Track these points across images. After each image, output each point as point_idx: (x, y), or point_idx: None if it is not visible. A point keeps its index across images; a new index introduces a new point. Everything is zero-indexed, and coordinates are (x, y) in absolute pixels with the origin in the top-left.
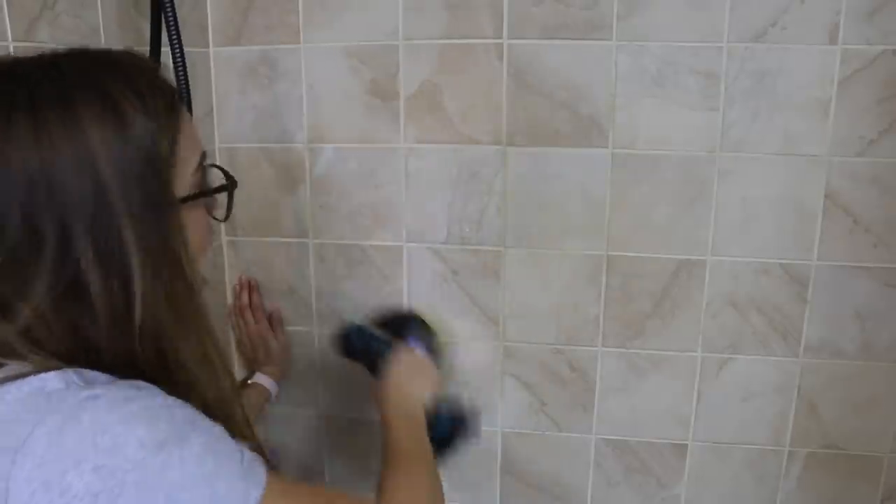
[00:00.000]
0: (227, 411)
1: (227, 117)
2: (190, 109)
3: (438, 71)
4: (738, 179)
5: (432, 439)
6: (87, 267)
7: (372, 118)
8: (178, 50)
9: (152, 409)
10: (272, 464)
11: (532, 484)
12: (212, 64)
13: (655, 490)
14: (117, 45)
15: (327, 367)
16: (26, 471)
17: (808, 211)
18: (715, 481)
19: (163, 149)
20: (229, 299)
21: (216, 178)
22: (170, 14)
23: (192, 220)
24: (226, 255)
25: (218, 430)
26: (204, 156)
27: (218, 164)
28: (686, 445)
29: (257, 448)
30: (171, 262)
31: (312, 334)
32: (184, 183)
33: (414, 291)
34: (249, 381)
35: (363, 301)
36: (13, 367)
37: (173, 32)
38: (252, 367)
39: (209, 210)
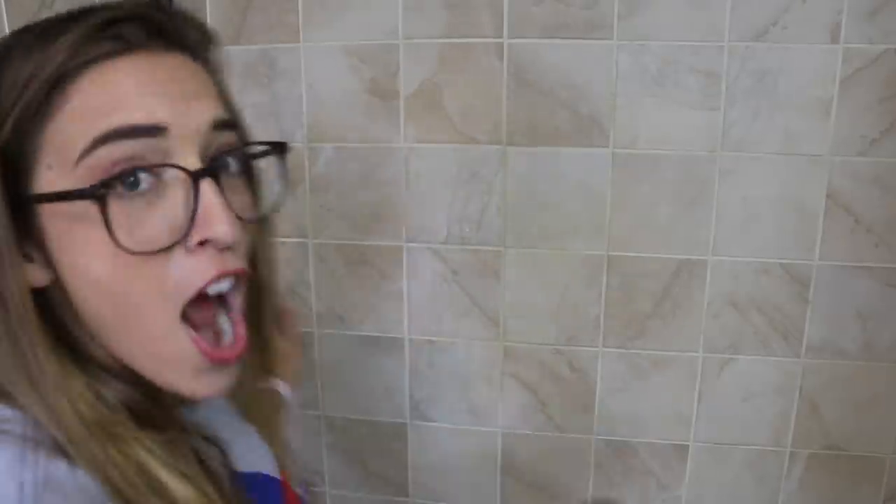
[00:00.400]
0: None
1: None
2: None
3: (438, 70)
4: (739, 179)
5: None
6: None
7: (372, 117)
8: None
9: None
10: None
11: (532, 484)
12: None
13: (656, 491)
14: None
15: (327, 367)
16: None
17: (809, 211)
18: (716, 482)
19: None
20: None
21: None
22: None
23: (65, 235)
24: None
25: None
26: (112, 134)
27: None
28: (687, 446)
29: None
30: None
31: (312, 334)
32: (54, 173)
33: (414, 291)
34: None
35: (363, 301)
36: None
37: None
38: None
39: (108, 225)
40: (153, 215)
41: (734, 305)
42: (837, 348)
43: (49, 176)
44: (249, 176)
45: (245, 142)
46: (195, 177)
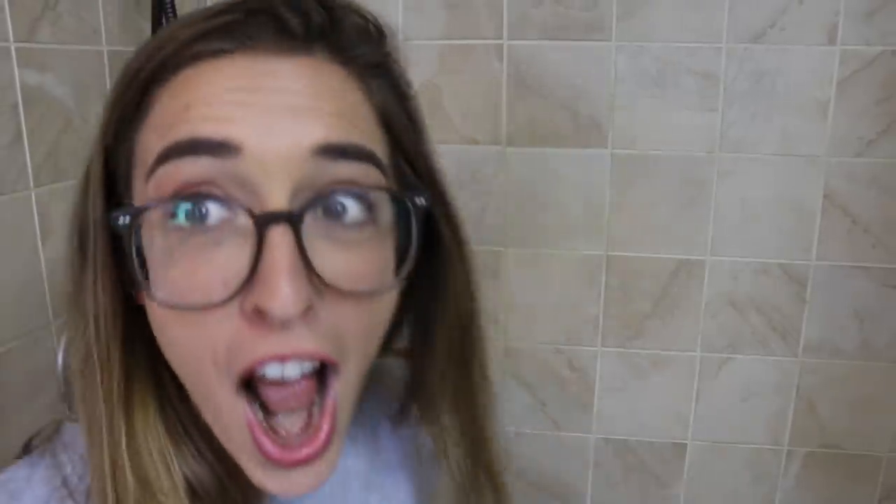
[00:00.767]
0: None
1: None
2: None
3: (438, 71)
4: (737, 180)
5: None
6: None
7: None
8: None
9: None
10: None
11: (532, 483)
12: None
13: (655, 489)
14: (118, 45)
15: None
16: None
17: (806, 211)
18: (714, 480)
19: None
20: None
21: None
22: (170, 15)
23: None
24: None
25: None
26: (175, 149)
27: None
28: (685, 445)
29: None
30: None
31: None
32: (139, 186)
33: None
34: None
35: None
36: None
37: None
38: None
39: (132, 262)
40: (208, 260)
41: (732, 305)
42: (834, 348)
43: (138, 187)
44: (398, 229)
45: (380, 184)
46: (260, 222)
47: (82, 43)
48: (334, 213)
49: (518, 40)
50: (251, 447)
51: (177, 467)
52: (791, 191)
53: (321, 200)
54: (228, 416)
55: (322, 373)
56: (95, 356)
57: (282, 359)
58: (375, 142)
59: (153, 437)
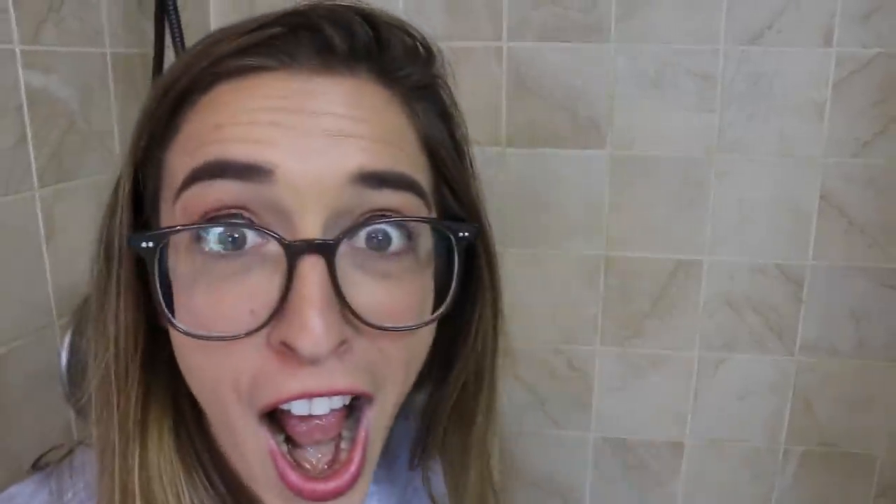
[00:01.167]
0: None
1: None
2: None
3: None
4: (735, 180)
5: None
6: None
7: None
8: (181, 52)
9: None
10: None
11: (531, 482)
12: None
13: (653, 487)
14: (121, 47)
15: None
16: None
17: (803, 212)
18: (711, 479)
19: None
20: None
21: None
22: (173, 17)
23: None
24: None
25: None
26: (204, 169)
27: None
28: (683, 443)
29: None
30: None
31: None
32: (167, 206)
33: None
34: None
35: None
36: None
37: (177, 35)
38: None
39: (152, 287)
40: (235, 288)
41: (730, 305)
42: (831, 347)
43: (164, 208)
44: (438, 262)
45: (422, 215)
46: (291, 251)
47: (86, 45)
48: (372, 243)
49: (518, 42)
50: (273, 477)
51: (188, 498)
52: (788, 191)
53: (358, 229)
54: (249, 445)
55: (353, 402)
56: (113, 378)
57: (311, 396)
58: (418, 169)
59: (166, 464)
